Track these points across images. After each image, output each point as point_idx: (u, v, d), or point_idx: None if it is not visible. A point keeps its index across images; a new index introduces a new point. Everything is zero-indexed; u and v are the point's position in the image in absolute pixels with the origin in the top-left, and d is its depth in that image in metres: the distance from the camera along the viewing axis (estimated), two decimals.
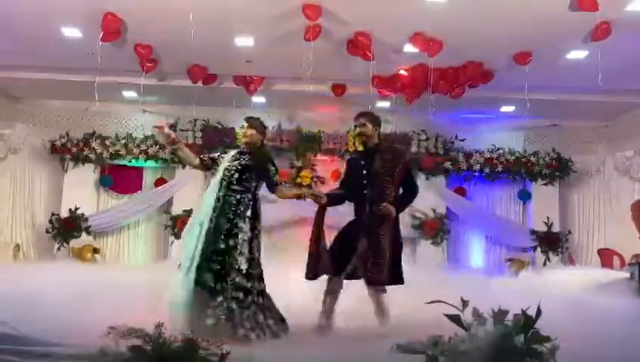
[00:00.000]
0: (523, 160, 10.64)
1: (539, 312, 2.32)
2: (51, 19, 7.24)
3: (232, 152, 4.47)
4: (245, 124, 4.46)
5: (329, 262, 4.41)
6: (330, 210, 4.55)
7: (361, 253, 4.32)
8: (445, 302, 2.35)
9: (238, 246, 4.06)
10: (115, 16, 7.07)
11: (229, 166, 4.30)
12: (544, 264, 10.36)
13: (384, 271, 4.29)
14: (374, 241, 4.32)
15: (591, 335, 3.00)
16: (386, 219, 4.37)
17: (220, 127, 10.36)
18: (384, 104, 9.75)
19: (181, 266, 3.98)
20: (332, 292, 4.45)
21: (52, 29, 7.46)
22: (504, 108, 10.36)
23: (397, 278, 4.40)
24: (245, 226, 4.13)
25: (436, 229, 10.44)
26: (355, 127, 4.63)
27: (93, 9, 6.89)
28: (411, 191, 4.60)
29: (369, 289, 4.42)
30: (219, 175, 4.26)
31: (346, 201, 4.72)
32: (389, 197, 4.41)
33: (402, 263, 4.47)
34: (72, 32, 7.56)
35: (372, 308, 4.43)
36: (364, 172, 4.51)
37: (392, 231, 4.42)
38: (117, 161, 10.47)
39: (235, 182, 4.23)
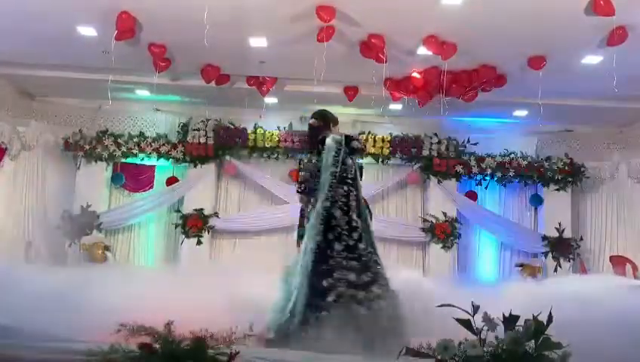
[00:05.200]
0: (535, 165, 10.56)
1: (550, 318, 2.30)
2: (67, 18, 7.29)
3: None
4: None
5: None
6: None
7: None
8: (456, 306, 2.33)
9: None
10: (129, 15, 7.11)
11: None
12: (555, 270, 10.29)
13: None
14: None
15: (605, 342, 2.97)
16: None
17: (231, 126, 10.38)
18: (396, 106, 9.74)
19: None
20: None
21: (68, 28, 7.51)
22: (517, 113, 10.30)
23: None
24: None
25: (447, 233, 10.41)
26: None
27: (109, 8, 6.94)
28: None
29: None
30: None
31: None
32: None
33: None
34: (87, 31, 7.61)
35: None
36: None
37: None
38: (129, 159, 10.52)
39: None
